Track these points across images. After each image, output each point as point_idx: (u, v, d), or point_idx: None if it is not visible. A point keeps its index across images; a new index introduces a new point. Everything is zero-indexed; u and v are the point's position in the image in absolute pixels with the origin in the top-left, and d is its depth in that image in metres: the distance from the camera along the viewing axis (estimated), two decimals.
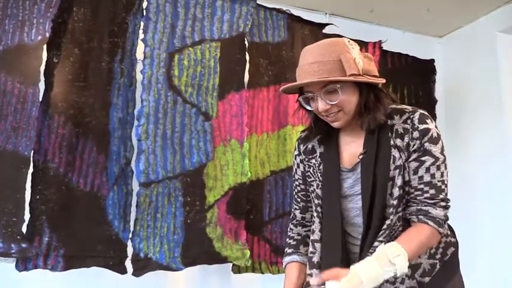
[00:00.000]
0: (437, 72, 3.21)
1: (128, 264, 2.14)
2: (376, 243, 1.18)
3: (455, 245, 1.34)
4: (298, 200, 1.47)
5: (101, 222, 2.10)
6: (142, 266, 2.09)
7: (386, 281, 1.16)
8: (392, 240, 1.19)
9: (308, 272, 1.32)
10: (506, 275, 2.77)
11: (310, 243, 1.35)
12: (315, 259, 1.30)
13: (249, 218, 2.32)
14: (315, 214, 1.35)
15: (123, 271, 2.12)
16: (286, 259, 1.41)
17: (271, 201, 2.38)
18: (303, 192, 1.45)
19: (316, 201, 1.33)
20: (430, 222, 1.20)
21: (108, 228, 2.11)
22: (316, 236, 1.32)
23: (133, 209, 2.17)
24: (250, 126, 2.38)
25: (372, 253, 1.16)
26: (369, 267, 1.09)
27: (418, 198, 1.23)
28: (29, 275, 2.02)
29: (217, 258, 2.20)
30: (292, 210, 1.49)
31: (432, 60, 3.20)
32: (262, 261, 2.36)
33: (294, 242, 1.43)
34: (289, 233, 1.47)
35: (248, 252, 2.23)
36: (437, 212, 1.20)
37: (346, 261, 1.25)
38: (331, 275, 1.09)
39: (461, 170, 2.99)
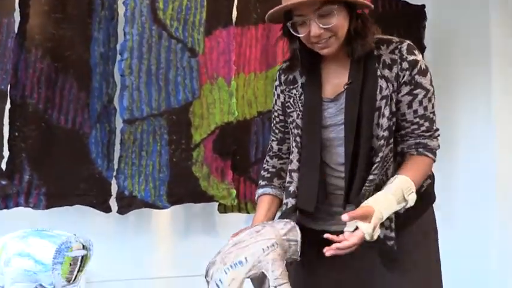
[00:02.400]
0: (427, 18, 3.15)
1: (113, 203, 2.12)
2: (371, 177, 1.16)
3: (432, 177, 1.35)
4: (276, 131, 1.44)
5: (84, 161, 2.06)
6: (127, 204, 2.07)
7: None
8: (385, 174, 1.19)
9: (284, 201, 1.30)
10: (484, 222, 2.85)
11: (287, 173, 1.32)
12: (292, 188, 1.27)
13: (235, 159, 2.29)
14: (293, 145, 1.31)
15: (107, 210, 2.10)
16: (259, 191, 1.39)
17: (257, 142, 2.35)
18: (282, 124, 1.42)
19: (296, 131, 1.30)
20: (429, 154, 1.21)
21: (91, 166, 2.07)
22: (293, 165, 1.29)
23: (117, 147, 2.12)
24: (238, 65, 2.31)
25: (369, 187, 1.15)
26: (387, 204, 1.10)
27: (415, 132, 1.22)
28: (12, 213, 1.98)
29: (203, 197, 2.19)
30: (270, 142, 1.47)
31: (423, 6, 3.14)
32: (248, 202, 2.37)
33: (268, 175, 1.41)
34: (264, 165, 1.45)
35: (234, 192, 2.22)
36: (434, 144, 1.22)
37: (323, 192, 1.25)
38: (362, 214, 1.07)
39: (445, 120, 2.99)
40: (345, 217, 1.04)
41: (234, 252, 1.09)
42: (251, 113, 2.36)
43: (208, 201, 2.24)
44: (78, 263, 0.97)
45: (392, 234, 1.18)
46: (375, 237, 1.08)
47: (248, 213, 2.40)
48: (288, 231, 1.15)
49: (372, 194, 1.16)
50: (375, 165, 1.17)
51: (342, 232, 1.21)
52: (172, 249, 2.58)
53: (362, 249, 1.20)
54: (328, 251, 1.05)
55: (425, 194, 1.28)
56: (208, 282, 1.08)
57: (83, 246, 0.99)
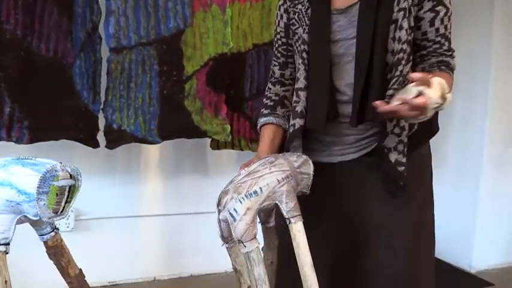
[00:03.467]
0: None
1: (101, 137, 2.03)
2: (390, 92, 1.07)
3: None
4: (278, 55, 1.34)
5: (68, 93, 1.95)
6: (116, 138, 1.99)
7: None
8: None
9: (291, 122, 1.22)
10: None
11: (294, 93, 1.24)
12: (299, 108, 1.19)
13: (229, 94, 2.20)
14: (300, 61, 1.22)
15: (95, 145, 2.02)
16: (261, 120, 1.30)
17: (252, 77, 2.25)
18: (284, 47, 1.32)
19: (302, 47, 1.21)
20: (451, 73, 1.16)
21: (76, 99, 1.96)
22: (300, 84, 1.21)
23: (103, 79, 2.01)
24: None
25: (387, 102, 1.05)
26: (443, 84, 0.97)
27: (438, 51, 1.16)
28: None
29: (196, 132, 2.11)
30: (271, 67, 1.37)
31: None
32: (242, 138, 2.29)
33: (271, 103, 1.31)
34: (266, 93, 1.35)
35: (228, 127, 2.15)
36: (454, 63, 1.17)
37: (334, 110, 1.17)
38: (424, 77, 0.94)
39: None
40: (415, 75, 0.93)
41: (249, 181, 1.03)
42: (246, 45, 2.23)
43: (201, 136, 2.16)
44: (66, 193, 0.89)
45: (404, 160, 1.13)
46: (444, 107, 0.95)
47: (241, 150, 2.34)
48: (301, 164, 1.11)
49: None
50: (394, 80, 1.09)
51: (335, 164, 1.20)
52: (162, 187, 2.54)
53: (363, 176, 1.17)
54: (381, 106, 0.95)
55: (429, 125, 1.21)
56: (219, 211, 1.02)
57: (70, 175, 0.89)
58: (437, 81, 0.95)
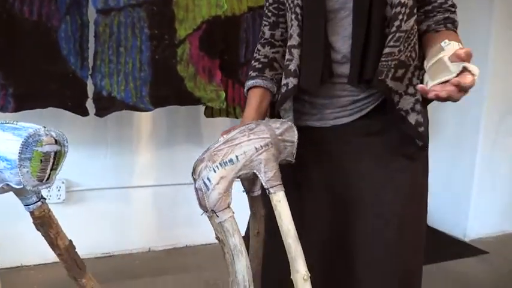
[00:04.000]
0: None
1: (90, 105, 1.95)
2: (387, 50, 1.02)
3: None
4: (269, 14, 1.26)
5: (54, 58, 1.86)
6: (106, 105, 1.91)
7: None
8: (413, 50, 1.05)
9: (284, 82, 1.15)
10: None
11: (287, 50, 1.16)
12: (292, 67, 1.12)
13: (223, 59, 2.12)
14: (293, 17, 1.14)
15: (84, 113, 1.94)
16: (249, 83, 1.23)
17: (248, 41, 2.17)
18: (275, 5, 1.24)
19: (296, 2, 1.13)
20: (456, 30, 1.10)
21: (63, 64, 1.87)
22: (293, 41, 1.13)
23: (91, 44, 1.91)
24: None
25: (386, 62, 1.01)
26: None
27: (443, 6, 1.10)
28: None
29: (189, 99, 2.04)
30: (262, 28, 1.29)
31: None
32: (237, 106, 2.22)
33: (260, 65, 1.24)
34: (255, 55, 1.27)
35: (223, 94, 2.07)
36: (457, 19, 1.12)
37: (328, 70, 1.11)
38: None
39: None
40: (461, 52, 0.84)
41: (225, 149, 0.97)
42: (241, 8, 2.14)
43: (194, 103, 2.08)
44: (51, 160, 0.82)
45: (423, 120, 1.07)
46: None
47: (236, 118, 2.27)
48: (284, 131, 1.04)
49: (396, 73, 1.03)
50: (391, 36, 1.02)
51: (327, 128, 1.14)
52: (155, 157, 2.49)
53: (358, 141, 1.13)
54: (431, 92, 0.86)
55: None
56: (195, 180, 0.97)
57: (56, 140, 0.82)
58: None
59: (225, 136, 0.99)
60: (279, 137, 1.02)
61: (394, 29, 1.02)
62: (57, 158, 0.84)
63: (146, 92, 1.94)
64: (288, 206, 0.98)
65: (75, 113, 1.92)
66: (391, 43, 1.02)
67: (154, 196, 2.52)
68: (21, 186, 0.82)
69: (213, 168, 0.94)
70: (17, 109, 1.83)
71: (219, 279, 2.14)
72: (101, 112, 1.91)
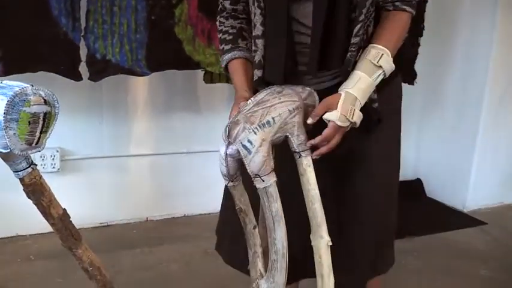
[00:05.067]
0: None
1: (84, 69, 1.86)
2: (355, 40, 1.02)
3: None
4: None
5: (44, 19, 1.77)
6: (100, 69, 1.83)
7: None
8: (365, 33, 1.06)
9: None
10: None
11: (252, 41, 1.13)
12: (257, 58, 1.09)
13: None
14: (255, 5, 1.09)
15: (77, 77, 1.86)
16: (226, 57, 1.17)
17: None
18: None
19: None
20: (407, 8, 1.08)
21: (53, 26, 1.79)
22: (257, 31, 1.09)
23: (83, 3, 1.82)
24: None
25: (354, 52, 1.03)
26: (357, 82, 1.02)
27: None
28: None
29: (187, 63, 1.97)
30: (220, 2, 1.22)
31: None
32: None
33: (230, 37, 1.18)
34: (220, 27, 1.21)
35: None
36: None
37: (292, 60, 1.09)
38: (324, 108, 1.00)
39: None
40: (309, 121, 1.00)
41: (259, 111, 0.94)
42: None
43: (193, 68, 2.01)
44: (40, 122, 0.75)
45: (376, 96, 1.09)
46: (356, 119, 1.01)
47: None
48: (307, 95, 1.03)
49: (357, 58, 1.04)
50: (359, 26, 1.01)
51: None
52: (152, 125, 2.43)
53: None
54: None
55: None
56: (229, 144, 0.92)
57: (45, 100, 0.75)
58: (344, 99, 1.00)
59: (253, 99, 0.97)
60: (305, 101, 1.02)
61: (362, 17, 1.01)
62: (47, 119, 0.77)
63: (142, 55, 1.87)
64: (314, 172, 0.98)
65: (68, 77, 1.84)
66: (360, 33, 1.02)
67: (152, 165, 2.47)
68: (8, 151, 0.75)
69: (253, 130, 0.91)
70: (6, 73, 1.75)
71: None
72: (95, 76, 1.84)
